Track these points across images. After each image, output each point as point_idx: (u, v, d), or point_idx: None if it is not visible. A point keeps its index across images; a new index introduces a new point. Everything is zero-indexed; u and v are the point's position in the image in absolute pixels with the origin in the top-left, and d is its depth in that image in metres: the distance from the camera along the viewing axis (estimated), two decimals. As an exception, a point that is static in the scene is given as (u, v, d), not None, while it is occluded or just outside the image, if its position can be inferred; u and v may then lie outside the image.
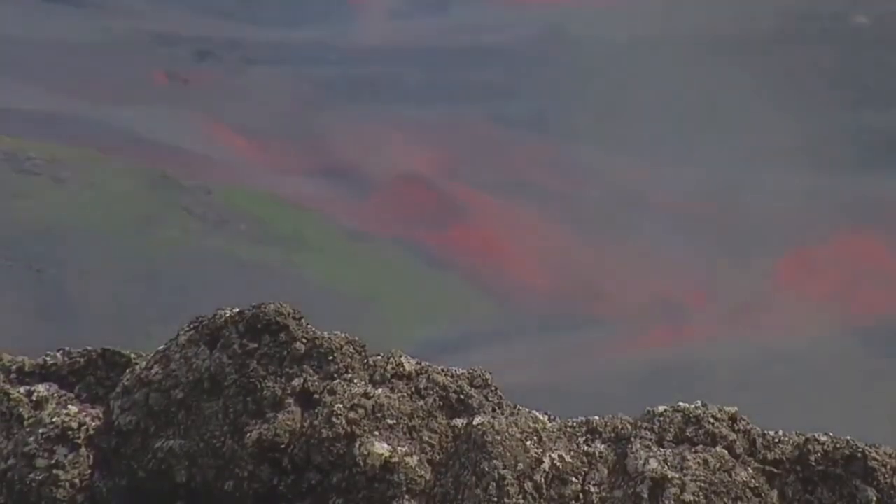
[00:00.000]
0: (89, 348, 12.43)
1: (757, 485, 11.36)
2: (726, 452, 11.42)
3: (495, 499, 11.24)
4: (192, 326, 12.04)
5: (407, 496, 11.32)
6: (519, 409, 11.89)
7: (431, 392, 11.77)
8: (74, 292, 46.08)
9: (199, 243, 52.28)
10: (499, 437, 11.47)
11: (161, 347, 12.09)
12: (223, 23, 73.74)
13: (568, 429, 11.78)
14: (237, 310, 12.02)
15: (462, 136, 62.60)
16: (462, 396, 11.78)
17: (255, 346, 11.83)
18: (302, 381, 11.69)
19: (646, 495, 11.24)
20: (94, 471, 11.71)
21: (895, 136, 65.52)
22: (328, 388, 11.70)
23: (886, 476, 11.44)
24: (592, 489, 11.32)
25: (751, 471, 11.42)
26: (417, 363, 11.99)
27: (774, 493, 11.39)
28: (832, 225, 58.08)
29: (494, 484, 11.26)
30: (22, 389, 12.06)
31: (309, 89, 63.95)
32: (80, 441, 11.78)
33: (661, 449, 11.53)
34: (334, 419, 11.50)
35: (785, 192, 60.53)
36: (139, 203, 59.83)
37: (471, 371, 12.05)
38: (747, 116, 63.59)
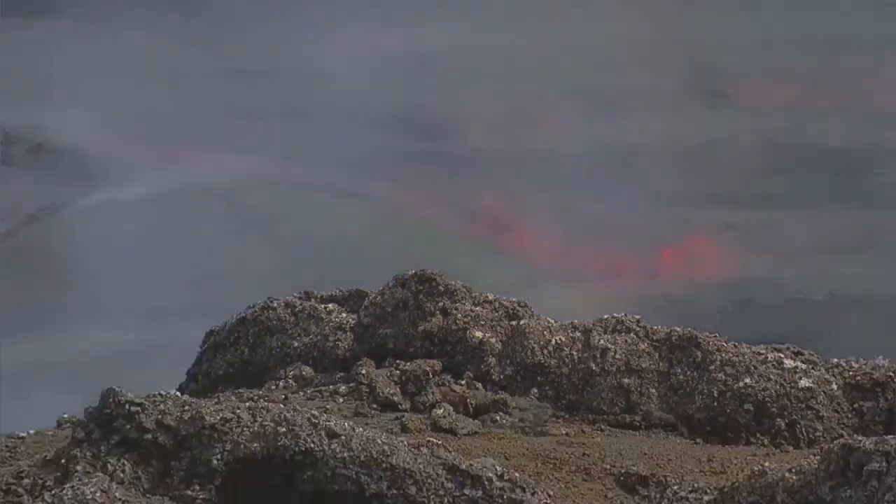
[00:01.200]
0: (350, 288, 14.10)
1: (649, 352, 13.21)
2: (635, 336, 13.33)
3: (530, 356, 13.14)
4: (394, 279, 13.70)
5: (490, 355, 13.23)
6: (540, 317, 13.49)
7: (501, 308, 13.49)
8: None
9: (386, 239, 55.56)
10: (531, 330, 13.32)
11: (380, 288, 13.75)
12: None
13: (562, 326, 13.45)
14: (412, 271, 13.67)
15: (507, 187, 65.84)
16: (515, 310, 13.54)
17: (422, 287, 13.56)
18: (442, 304, 13.45)
19: (598, 355, 13.17)
20: (354, 342, 13.53)
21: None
22: (454, 307, 13.47)
23: (709, 345, 13.10)
24: (574, 353, 13.22)
25: (645, 345, 13.27)
26: (494, 296, 13.58)
27: (657, 355, 13.16)
28: (682, 235, 61.69)
29: (530, 350, 13.23)
30: (321, 305, 13.76)
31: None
32: (347, 328, 13.54)
33: (606, 335, 13.31)
34: (458, 320, 13.36)
35: (662, 214, 64.19)
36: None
37: (519, 300, 13.69)
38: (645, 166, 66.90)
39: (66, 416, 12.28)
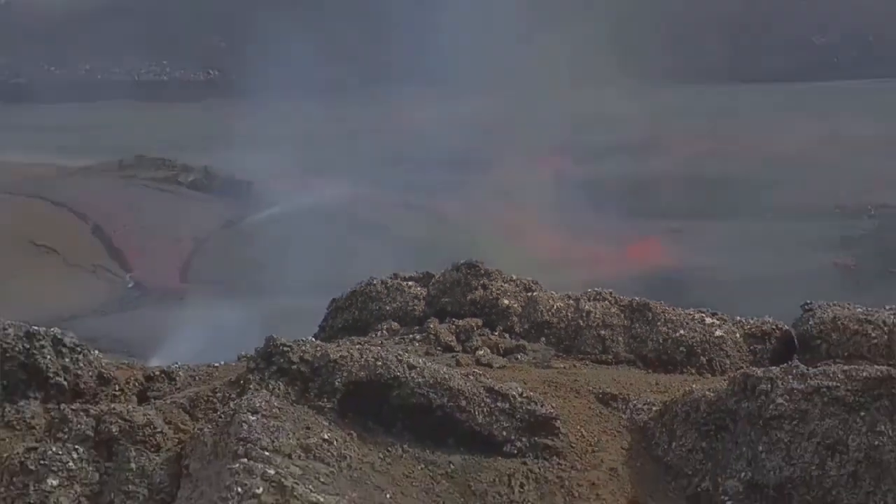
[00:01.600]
0: (423, 271, 13.54)
1: (617, 313, 12.71)
2: (608, 303, 12.83)
3: (540, 316, 12.71)
4: (451, 265, 13.16)
5: (514, 315, 12.76)
6: (546, 290, 13.07)
7: (521, 284, 13.07)
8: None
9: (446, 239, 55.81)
10: (540, 299, 12.89)
11: (442, 272, 13.27)
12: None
13: (561, 296, 13.00)
14: (463, 261, 13.17)
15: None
16: (530, 286, 13.13)
17: (469, 271, 13.05)
18: (483, 282, 12.96)
19: (584, 316, 12.71)
20: (425, 307, 13.08)
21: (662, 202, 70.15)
22: (490, 283, 13.01)
23: (657, 309, 12.63)
24: (569, 314, 12.71)
25: (615, 309, 12.76)
26: (516, 276, 13.16)
27: (622, 315, 12.65)
28: (638, 237, 62.18)
29: (540, 312, 12.78)
30: (404, 282, 13.32)
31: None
32: (421, 298, 13.09)
33: (589, 302, 12.78)
34: (493, 292, 12.91)
35: (627, 224, 64.91)
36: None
37: (532, 279, 13.25)
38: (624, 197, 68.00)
39: (243, 353, 11.98)
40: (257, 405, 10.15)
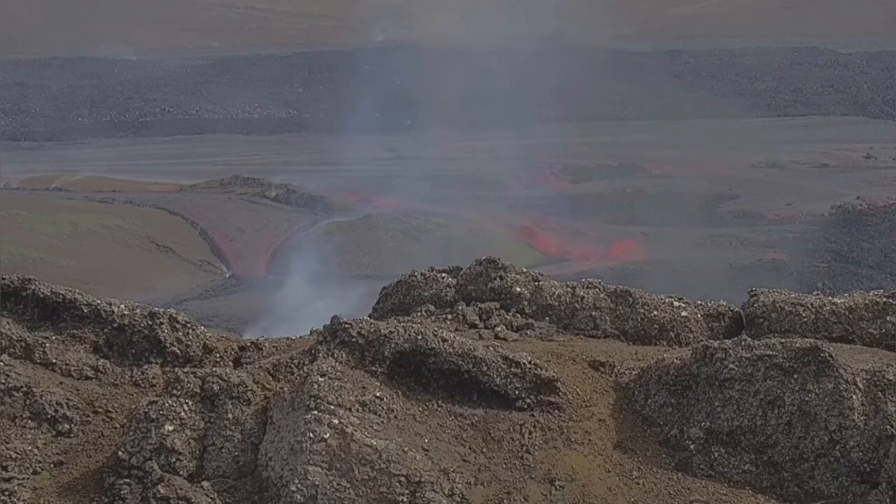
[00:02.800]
0: (453, 265, 12.52)
1: (605, 298, 11.95)
2: (598, 290, 12.06)
3: (545, 300, 11.89)
4: (475, 260, 12.11)
5: (524, 300, 11.90)
6: (549, 279, 12.19)
7: (529, 276, 12.13)
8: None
9: (471, 240, 55.65)
10: (545, 287, 12.04)
11: (468, 266, 12.22)
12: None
13: (561, 284, 12.14)
14: (484, 257, 12.23)
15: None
16: (536, 277, 12.19)
17: (489, 265, 12.13)
18: (500, 274, 12.02)
19: (579, 300, 11.94)
20: (455, 293, 12.17)
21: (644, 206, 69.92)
22: (507, 276, 12.06)
23: (636, 295, 11.80)
24: (567, 299, 11.92)
25: (604, 295, 11.98)
26: (526, 269, 12.24)
27: (609, 300, 11.90)
28: (620, 239, 61.93)
29: (545, 297, 11.97)
30: (439, 274, 12.35)
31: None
32: (451, 286, 12.15)
33: (583, 289, 12.01)
34: (507, 282, 12.01)
35: (610, 228, 64.80)
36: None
37: (539, 272, 12.35)
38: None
39: (314, 328, 11.64)
40: (325, 369, 9.96)
